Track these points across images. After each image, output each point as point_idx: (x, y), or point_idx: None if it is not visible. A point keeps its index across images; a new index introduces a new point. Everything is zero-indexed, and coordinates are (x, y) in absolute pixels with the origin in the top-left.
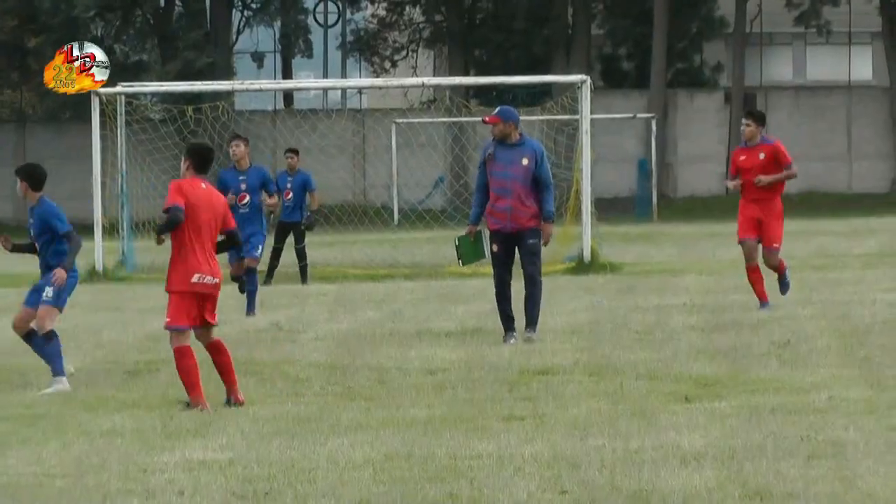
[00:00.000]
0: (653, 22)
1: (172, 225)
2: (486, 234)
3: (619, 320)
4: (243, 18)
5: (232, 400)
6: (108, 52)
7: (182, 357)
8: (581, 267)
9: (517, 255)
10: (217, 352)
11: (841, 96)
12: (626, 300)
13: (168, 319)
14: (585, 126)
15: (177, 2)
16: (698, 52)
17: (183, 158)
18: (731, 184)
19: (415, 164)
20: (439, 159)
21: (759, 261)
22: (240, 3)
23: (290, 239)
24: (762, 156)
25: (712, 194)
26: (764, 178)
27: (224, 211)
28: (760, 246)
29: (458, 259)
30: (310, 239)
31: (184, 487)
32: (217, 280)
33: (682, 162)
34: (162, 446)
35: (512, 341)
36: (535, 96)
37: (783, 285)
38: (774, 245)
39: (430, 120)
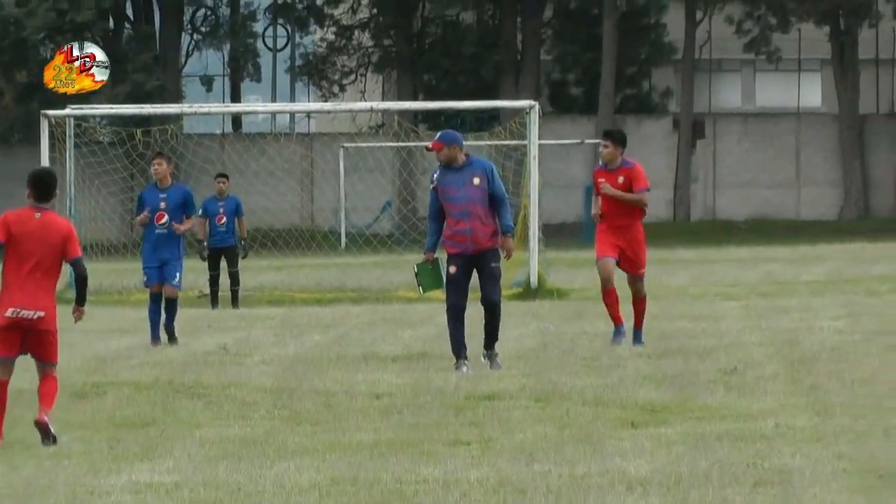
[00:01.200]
0: (601, 48)
1: None
2: (443, 260)
3: (566, 346)
4: (192, 42)
5: (37, 420)
6: None
7: None
8: (528, 292)
9: (474, 278)
10: (45, 383)
11: (790, 123)
12: (572, 326)
13: None
14: (534, 152)
15: (126, 25)
16: (647, 78)
17: (27, 187)
18: (594, 211)
19: (363, 189)
20: (387, 184)
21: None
22: (189, 27)
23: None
24: (621, 179)
25: (659, 220)
26: (609, 189)
27: (63, 241)
28: (626, 274)
29: (419, 286)
30: (259, 262)
31: None
32: (40, 314)
33: None
34: (109, 469)
35: (464, 369)
36: (484, 121)
37: (637, 336)
38: (640, 271)
39: (379, 144)
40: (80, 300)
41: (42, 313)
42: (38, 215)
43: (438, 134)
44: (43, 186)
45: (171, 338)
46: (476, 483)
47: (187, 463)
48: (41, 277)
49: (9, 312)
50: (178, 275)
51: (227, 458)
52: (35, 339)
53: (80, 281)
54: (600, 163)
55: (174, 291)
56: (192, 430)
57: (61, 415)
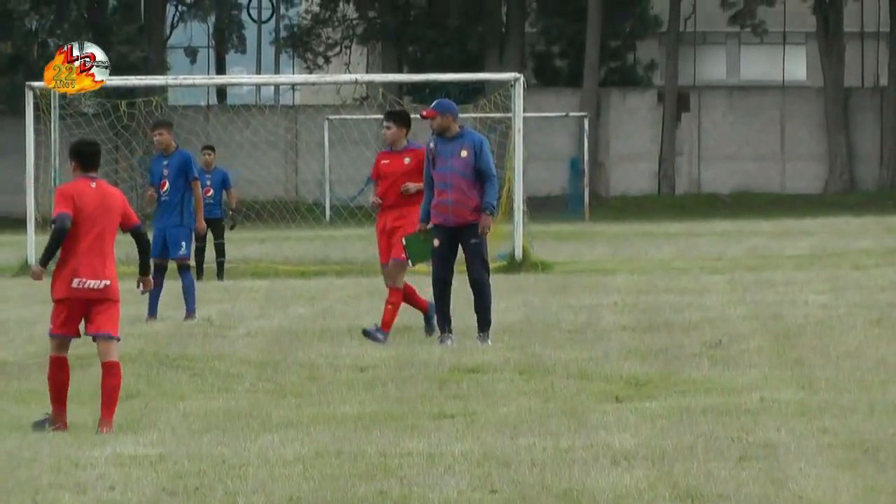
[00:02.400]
0: (586, 20)
1: (60, 234)
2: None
3: (551, 319)
4: (177, 13)
5: (98, 429)
6: (42, 45)
7: (54, 368)
8: (512, 265)
9: (460, 253)
10: (108, 374)
11: (775, 96)
12: (557, 299)
13: (50, 327)
14: (518, 124)
15: None
16: (632, 50)
17: (69, 160)
18: (372, 199)
19: (347, 161)
20: (372, 156)
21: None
22: None
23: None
24: (408, 160)
25: (644, 193)
26: (412, 187)
27: (122, 208)
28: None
29: (408, 258)
30: (242, 234)
31: (115, 482)
32: (106, 282)
33: (615, 161)
34: (93, 441)
35: (448, 342)
36: (469, 94)
37: (427, 323)
38: (402, 256)
39: (363, 117)
40: (146, 269)
41: (108, 282)
42: (93, 185)
43: (434, 102)
44: (88, 156)
45: (191, 315)
46: (460, 456)
47: (171, 435)
48: (103, 246)
49: (74, 283)
50: (182, 243)
51: (212, 431)
52: (99, 312)
53: (145, 247)
54: (385, 146)
55: (182, 261)
56: (176, 403)
57: (47, 387)
